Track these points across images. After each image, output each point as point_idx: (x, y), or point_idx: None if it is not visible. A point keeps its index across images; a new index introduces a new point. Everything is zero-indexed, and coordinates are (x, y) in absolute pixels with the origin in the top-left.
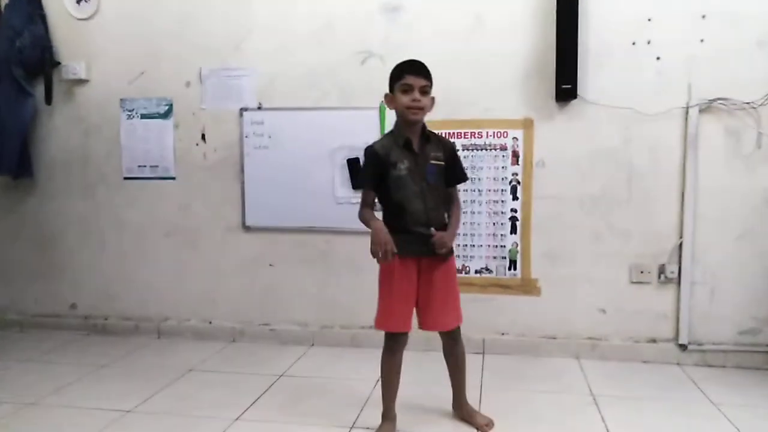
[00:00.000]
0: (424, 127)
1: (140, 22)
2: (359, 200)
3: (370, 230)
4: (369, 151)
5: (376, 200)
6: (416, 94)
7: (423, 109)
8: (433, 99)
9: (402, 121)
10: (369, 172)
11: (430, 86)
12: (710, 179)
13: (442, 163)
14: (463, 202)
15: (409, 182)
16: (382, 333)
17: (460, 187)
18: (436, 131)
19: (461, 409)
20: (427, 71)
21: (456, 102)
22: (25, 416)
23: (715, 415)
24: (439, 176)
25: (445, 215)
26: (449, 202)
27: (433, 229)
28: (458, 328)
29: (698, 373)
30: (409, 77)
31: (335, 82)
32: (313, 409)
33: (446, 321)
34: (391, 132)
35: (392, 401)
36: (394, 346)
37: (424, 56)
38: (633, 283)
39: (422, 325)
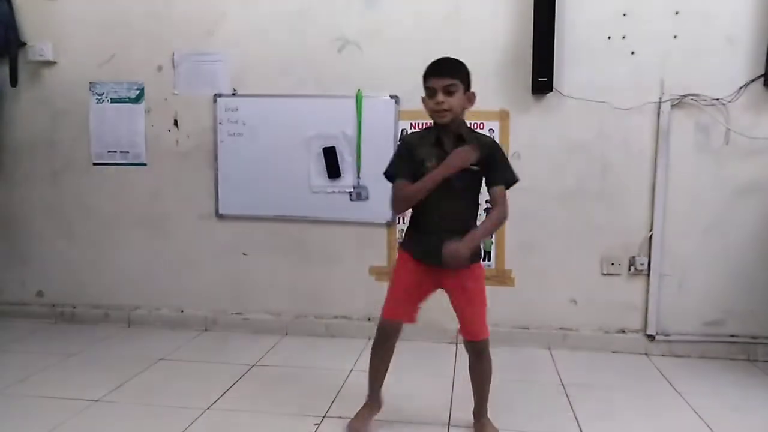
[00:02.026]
0: (461, 125)
1: (111, 2)
2: (334, 189)
3: (436, 180)
4: (403, 140)
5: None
6: (439, 97)
7: (450, 110)
8: (469, 95)
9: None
10: (399, 162)
11: (459, 83)
12: (680, 173)
13: (475, 166)
14: None
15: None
16: (355, 323)
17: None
18: (477, 131)
19: (475, 423)
20: (453, 68)
21: None
22: None
23: (680, 404)
24: (471, 180)
25: (472, 222)
26: (490, 205)
27: (447, 242)
28: (483, 341)
29: (665, 363)
30: (431, 79)
31: (311, 69)
32: (285, 398)
33: (468, 330)
34: (431, 127)
35: (376, 389)
36: (381, 333)
37: (401, 45)
38: (604, 274)
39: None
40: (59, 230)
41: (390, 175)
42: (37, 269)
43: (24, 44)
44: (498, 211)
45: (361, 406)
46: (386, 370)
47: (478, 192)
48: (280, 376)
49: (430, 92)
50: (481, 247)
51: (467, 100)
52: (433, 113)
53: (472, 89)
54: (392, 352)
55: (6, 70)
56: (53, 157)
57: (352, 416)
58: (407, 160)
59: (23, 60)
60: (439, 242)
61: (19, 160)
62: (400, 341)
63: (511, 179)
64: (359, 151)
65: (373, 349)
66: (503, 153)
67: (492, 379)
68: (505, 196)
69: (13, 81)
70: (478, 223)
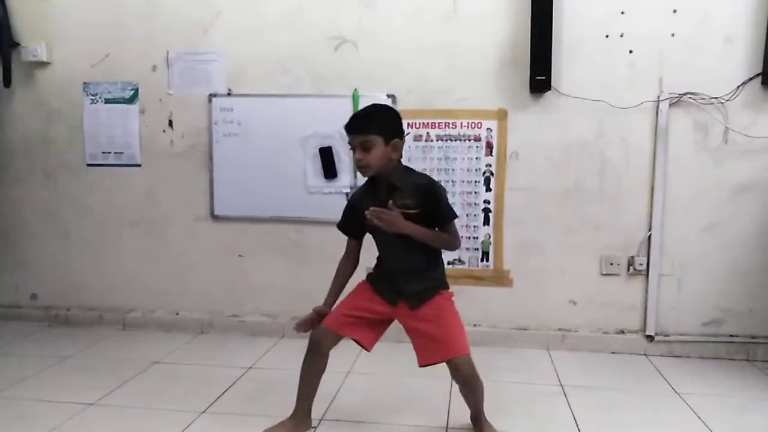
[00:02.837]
0: (393, 172)
1: (104, 2)
2: (331, 190)
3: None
4: (348, 200)
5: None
6: (357, 154)
7: (368, 167)
8: (394, 144)
9: None
10: (344, 221)
11: (375, 137)
12: (679, 173)
13: (414, 210)
14: None
15: (378, 232)
16: None
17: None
18: (415, 169)
19: (474, 427)
20: (366, 123)
21: (430, 91)
22: None
23: (679, 404)
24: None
25: (432, 260)
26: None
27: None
28: (459, 359)
29: (664, 363)
30: (349, 137)
31: (307, 68)
32: (282, 402)
33: (427, 356)
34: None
35: (302, 403)
36: (310, 340)
37: (398, 44)
38: (603, 275)
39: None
40: (53, 232)
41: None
42: (31, 271)
43: (17, 45)
44: (448, 237)
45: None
46: (316, 385)
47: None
48: (277, 379)
49: (351, 147)
50: (443, 279)
51: (392, 150)
52: (357, 168)
53: (469, 88)
54: (322, 366)
55: (0, 70)
56: (47, 157)
57: (346, 418)
58: (350, 218)
59: (17, 61)
60: (395, 285)
61: (13, 161)
62: (399, 343)
63: (449, 217)
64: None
65: (304, 358)
66: (439, 192)
67: (483, 386)
68: (454, 230)
69: (7, 82)
70: (443, 257)
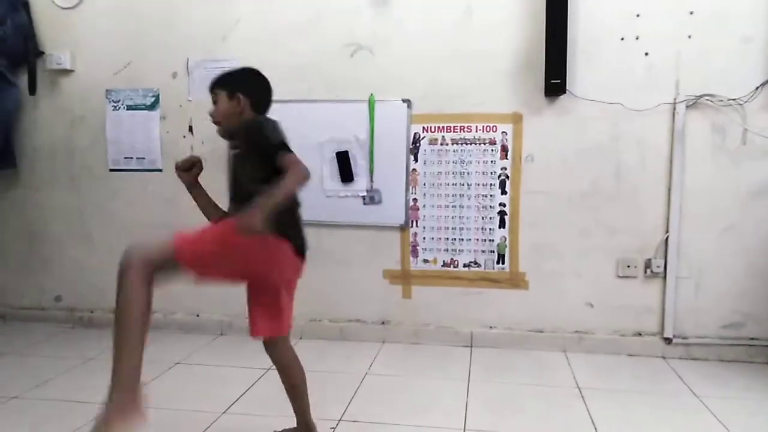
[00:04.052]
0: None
1: (126, 11)
2: (348, 193)
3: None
4: None
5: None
6: (210, 110)
7: (216, 123)
8: (236, 98)
9: None
10: None
11: (219, 91)
12: (696, 175)
13: (235, 149)
14: (452, 196)
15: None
16: (369, 327)
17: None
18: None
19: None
20: (214, 80)
21: (445, 96)
22: (9, 410)
23: (698, 407)
24: (244, 161)
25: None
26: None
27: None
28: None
29: (682, 366)
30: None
31: (323, 74)
32: None
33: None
34: None
35: (297, 415)
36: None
37: (413, 50)
38: (619, 277)
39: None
40: (77, 235)
41: None
42: (56, 274)
43: (42, 53)
44: (291, 176)
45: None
46: (296, 397)
47: (260, 173)
48: None
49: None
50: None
51: (237, 104)
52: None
53: (484, 92)
54: (283, 377)
55: (25, 78)
56: (71, 163)
57: (364, 419)
58: None
59: (42, 69)
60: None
61: (38, 167)
62: (416, 345)
63: (272, 142)
64: (372, 155)
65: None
66: (256, 125)
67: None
68: (289, 160)
69: (32, 89)
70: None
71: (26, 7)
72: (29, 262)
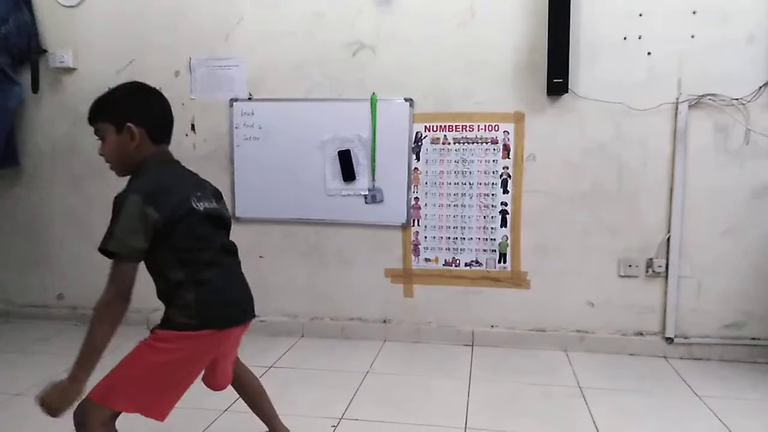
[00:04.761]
0: (140, 171)
1: (128, 10)
2: (349, 192)
3: None
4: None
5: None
6: (99, 149)
7: (109, 163)
8: (129, 131)
9: None
10: None
11: (106, 125)
12: (699, 174)
13: None
14: (454, 195)
15: None
16: (371, 325)
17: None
18: (152, 172)
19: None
20: (94, 111)
21: (448, 95)
22: (13, 407)
23: (699, 407)
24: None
25: (166, 305)
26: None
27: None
28: (84, 401)
29: (684, 366)
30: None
31: (326, 73)
32: (302, 400)
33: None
34: None
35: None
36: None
37: (415, 48)
38: (621, 276)
39: None
40: (79, 234)
41: None
42: (58, 272)
43: (45, 52)
44: (101, 306)
45: None
46: (257, 406)
47: (156, 262)
48: (297, 378)
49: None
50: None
51: (129, 137)
52: None
53: (486, 91)
54: (242, 394)
55: (28, 77)
56: (73, 161)
57: (365, 418)
58: None
59: (44, 67)
60: None
61: (41, 165)
62: (417, 343)
63: (102, 247)
64: (374, 154)
65: None
66: (116, 203)
67: None
68: (112, 271)
69: (35, 87)
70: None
71: (29, 5)
72: (32, 260)
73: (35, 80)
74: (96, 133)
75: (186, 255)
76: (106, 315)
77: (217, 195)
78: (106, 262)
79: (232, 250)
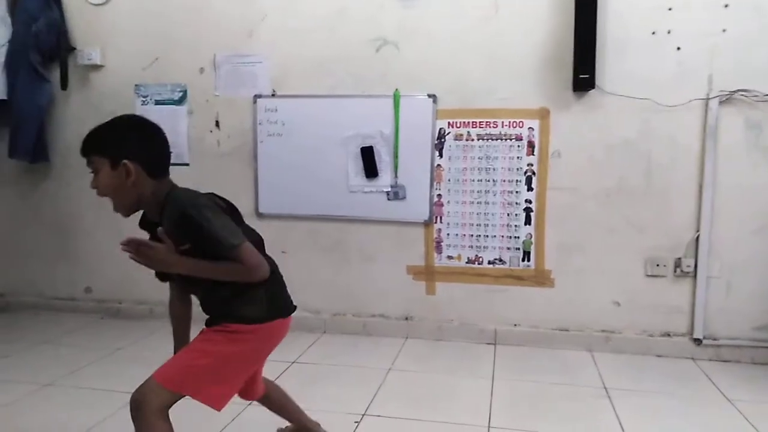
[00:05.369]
0: (152, 203)
1: (154, 8)
2: (372, 189)
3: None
4: None
5: None
6: (92, 182)
7: (106, 197)
8: (125, 168)
9: None
10: None
11: (96, 158)
12: (729, 172)
13: (184, 247)
14: (477, 192)
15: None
16: (393, 322)
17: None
18: (182, 195)
19: None
20: (88, 144)
21: (471, 91)
22: (42, 396)
23: (730, 411)
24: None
25: (227, 304)
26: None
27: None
28: (147, 382)
29: (712, 368)
30: None
31: (349, 69)
32: (325, 396)
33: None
34: None
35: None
36: None
37: (439, 44)
38: (648, 276)
39: None
40: (106, 228)
41: None
42: (86, 266)
43: (74, 49)
44: (233, 267)
45: None
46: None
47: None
48: (320, 374)
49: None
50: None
51: (125, 174)
52: None
53: (511, 87)
54: (267, 403)
55: (57, 74)
56: None
57: (387, 415)
58: None
59: (73, 64)
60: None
61: (70, 160)
62: (439, 341)
63: (223, 246)
64: (397, 151)
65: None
66: (196, 220)
67: None
68: (243, 256)
69: (64, 84)
70: (258, 291)
71: (58, 3)
72: (61, 254)
73: (64, 77)
74: (88, 164)
75: None
76: (236, 274)
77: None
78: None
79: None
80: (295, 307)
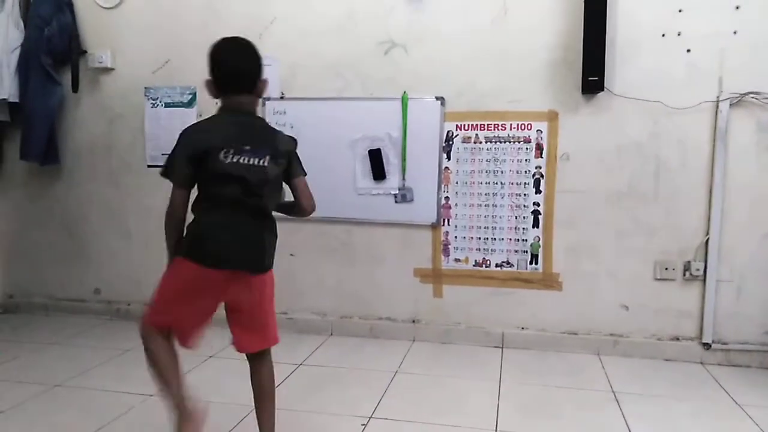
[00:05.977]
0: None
1: (165, 11)
2: (380, 191)
3: None
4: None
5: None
6: None
7: None
8: (206, 84)
9: None
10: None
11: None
12: (739, 175)
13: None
14: (485, 194)
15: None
16: (400, 325)
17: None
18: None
19: None
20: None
21: (480, 93)
22: (52, 397)
23: (740, 416)
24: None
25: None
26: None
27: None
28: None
29: (722, 373)
30: None
31: (358, 72)
32: (331, 398)
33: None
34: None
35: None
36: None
37: (447, 47)
38: (657, 279)
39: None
40: (116, 230)
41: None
42: (95, 267)
43: (85, 52)
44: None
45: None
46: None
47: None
48: (327, 376)
49: None
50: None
51: (208, 88)
52: None
53: (519, 89)
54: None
55: (68, 77)
56: (111, 159)
57: (394, 417)
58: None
59: (84, 67)
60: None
61: (80, 162)
62: (447, 344)
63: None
64: (404, 153)
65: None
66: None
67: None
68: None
69: (75, 87)
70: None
71: (70, 7)
72: (70, 256)
73: (75, 80)
74: None
75: (201, 194)
76: (165, 225)
77: (276, 153)
78: (142, 259)
79: (245, 206)
80: (223, 264)
